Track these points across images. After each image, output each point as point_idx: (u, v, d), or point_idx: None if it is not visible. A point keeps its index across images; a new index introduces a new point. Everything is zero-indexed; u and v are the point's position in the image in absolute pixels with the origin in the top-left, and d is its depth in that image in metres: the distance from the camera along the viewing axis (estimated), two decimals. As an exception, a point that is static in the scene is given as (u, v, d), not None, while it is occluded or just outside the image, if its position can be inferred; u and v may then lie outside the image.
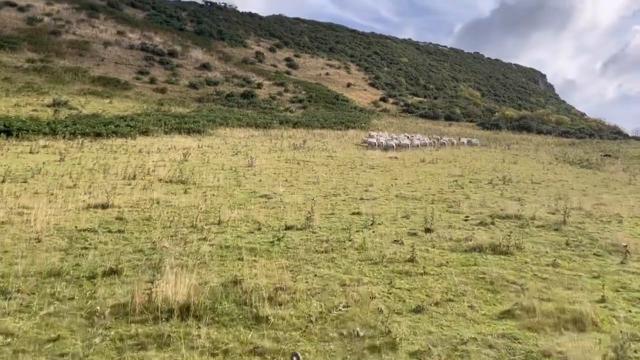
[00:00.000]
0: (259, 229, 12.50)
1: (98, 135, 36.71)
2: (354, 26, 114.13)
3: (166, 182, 20.50)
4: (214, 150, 34.07)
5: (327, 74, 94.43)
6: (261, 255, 10.20)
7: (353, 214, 15.37)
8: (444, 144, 49.77)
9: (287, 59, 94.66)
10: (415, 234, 12.48)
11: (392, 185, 22.47)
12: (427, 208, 16.63)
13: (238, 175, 23.43)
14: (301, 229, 12.65)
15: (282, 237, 11.58)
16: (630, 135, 79.82)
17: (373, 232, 12.61)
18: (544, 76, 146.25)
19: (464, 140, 53.92)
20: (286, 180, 22.51)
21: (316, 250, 10.70)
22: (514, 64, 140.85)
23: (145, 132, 40.43)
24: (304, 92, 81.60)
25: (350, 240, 11.53)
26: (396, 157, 35.24)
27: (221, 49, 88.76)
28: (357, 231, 12.46)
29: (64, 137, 34.34)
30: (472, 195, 20.36)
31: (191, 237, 11.38)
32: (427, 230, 12.73)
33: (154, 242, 10.83)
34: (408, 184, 23.30)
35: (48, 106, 47.26)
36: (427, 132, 61.96)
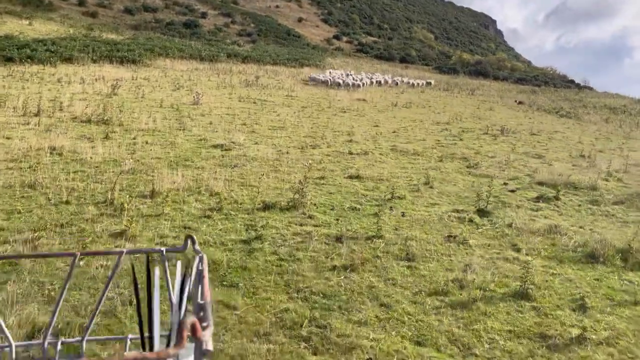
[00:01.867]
0: (219, 209, 7.53)
1: (9, 60, 29.78)
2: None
3: (82, 121, 14.86)
4: (151, 83, 28.03)
5: (277, 6, 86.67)
6: (230, 283, 5.27)
7: (350, 177, 10.63)
8: (411, 84, 45.29)
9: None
10: (470, 220, 7.86)
11: (377, 134, 17.75)
12: (442, 167, 12.14)
13: (181, 115, 17.97)
14: (288, 209, 7.79)
15: (262, 230, 6.67)
16: (581, 84, 78.10)
17: (402, 215, 7.90)
18: (494, 22, 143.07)
19: (424, 82, 49.64)
20: (244, 124, 17.32)
21: (332, 268, 5.84)
22: (467, 8, 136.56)
23: (68, 59, 33.49)
24: (252, 24, 74.23)
25: (380, 238, 6.76)
26: (364, 100, 30.38)
27: (161, -28, 78.84)
28: (376, 214, 7.68)
29: (-40, 61, 27.40)
30: (480, 150, 15.99)
31: (98, 229, 6.29)
32: (481, 213, 8.15)
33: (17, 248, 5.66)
34: (394, 132, 18.65)
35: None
36: (384, 74, 57.16)
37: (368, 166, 11.89)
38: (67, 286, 1.67)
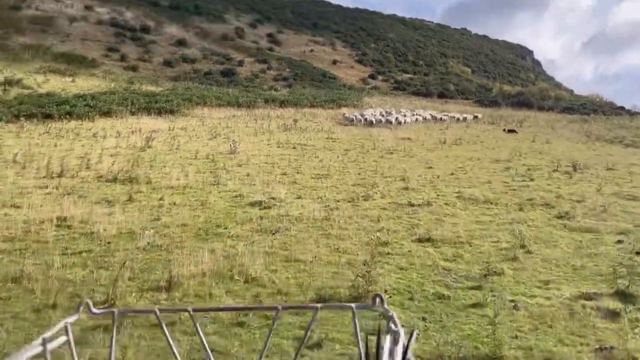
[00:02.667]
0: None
1: (48, 116, 29.23)
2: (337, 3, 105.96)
3: (108, 181, 13.22)
4: (187, 133, 26.77)
5: (311, 50, 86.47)
6: None
7: (420, 240, 8.39)
8: (456, 119, 42.97)
9: (269, 35, 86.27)
10: (614, 313, 5.45)
11: (434, 177, 15.50)
12: (527, 220, 9.77)
13: (216, 166, 16.23)
14: (350, 301, 5.57)
15: (318, 350, 4.47)
16: (632, 111, 73.68)
17: (515, 308, 5.56)
18: (531, 52, 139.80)
19: (469, 116, 47.18)
20: (284, 174, 15.39)
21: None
22: (502, 40, 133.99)
23: (107, 113, 32.87)
24: (288, 69, 73.88)
25: None
26: (409, 138, 28.26)
27: (198, 25, 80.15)
28: (475, 306, 5.39)
29: (1, 119, 26.83)
30: (560, 192, 13.49)
31: None
32: (623, 297, 5.74)
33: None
34: (452, 174, 16.36)
35: (-3, 85, 39.38)
36: (425, 110, 55.02)
37: (437, 222, 9.63)
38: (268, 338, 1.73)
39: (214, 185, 13.07)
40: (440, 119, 43.95)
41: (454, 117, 46.20)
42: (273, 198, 11.27)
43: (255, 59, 74.70)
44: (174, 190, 12.24)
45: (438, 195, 12.67)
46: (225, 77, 63.66)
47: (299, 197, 11.88)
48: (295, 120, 36.13)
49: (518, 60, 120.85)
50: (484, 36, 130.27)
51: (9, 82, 39.52)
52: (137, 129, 27.19)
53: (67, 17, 67.34)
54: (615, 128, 44.65)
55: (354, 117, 38.90)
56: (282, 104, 49.32)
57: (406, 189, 13.43)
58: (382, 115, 42.45)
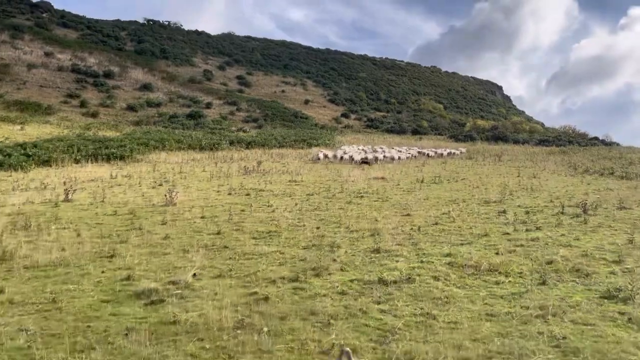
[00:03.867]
0: None
1: (-29, 167, 24.96)
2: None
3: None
4: (130, 180, 22.70)
5: (282, 91, 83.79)
6: None
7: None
8: (429, 155, 39.74)
9: (239, 77, 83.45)
10: None
11: (413, 229, 11.73)
12: (563, 308, 5.97)
13: (132, 225, 12.22)
14: None
15: None
16: (606, 141, 71.91)
17: None
18: (500, 88, 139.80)
19: (449, 151, 44.05)
20: (218, 233, 11.43)
21: None
22: (471, 77, 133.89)
23: (46, 162, 28.74)
24: (258, 110, 70.82)
25: None
26: (383, 178, 24.59)
27: (165, 69, 76.96)
28: None
29: None
30: (584, 247, 9.77)
31: None
32: None
33: None
34: (436, 224, 12.60)
35: None
36: (400, 147, 51.91)
37: (424, 322, 5.74)
38: None
39: (105, 258, 9.02)
40: (426, 154, 40.66)
41: (438, 152, 43.04)
42: (174, 283, 7.27)
43: (224, 101, 71.51)
44: (36, 270, 8.15)
45: (422, 261, 8.82)
46: (192, 120, 59.95)
47: (219, 276, 7.90)
48: (259, 162, 32.42)
49: (488, 96, 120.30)
50: (454, 73, 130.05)
51: (-58, 132, 35.31)
52: (71, 178, 23.05)
53: (25, 64, 63.39)
54: (598, 159, 41.85)
55: (326, 155, 35.41)
56: (249, 145, 45.73)
57: (377, 251, 9.56)
58: (354, 153, 39.11)
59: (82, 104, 58.25)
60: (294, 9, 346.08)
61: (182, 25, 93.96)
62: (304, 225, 12.44)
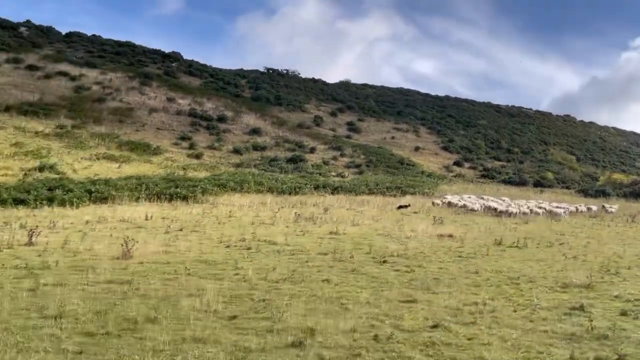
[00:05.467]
0: None
1: (21, 202, 24.39)
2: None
3: None
4: (159, 223, 20.21)
5: (392, 137, 79.74)
6: None
7: None
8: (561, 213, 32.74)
9: (349, 123, 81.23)
10: None
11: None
12: None
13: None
14: None
15: None
16: None
17: None
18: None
19: (586, 207, 35.84)
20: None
21: None
22: (612, 127, 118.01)
23: (104, 199, 27.73)
24: (363, 156, 67.48)
25: None
26: (451, 235, 19.23)
27: (276, 114, 77.46)
28: None
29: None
30: None
31: None
32: None
33: None
34: (431, 336, 7.50)
35: (29, 170, 36.66)
36: (512, 199, 44.63)
37: None
38: None
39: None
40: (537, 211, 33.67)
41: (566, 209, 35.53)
42: None
43: (329, 146, 69.36)
44: None
45: None
46: (291, 164, 58.39)
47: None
48: (327, 209, 28.59)
49: (632, 148, 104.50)
50: (591, 123, 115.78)
51: (41, 167, 36.71)
52: (103, 218, 21.15)
53: (147, 108, 67.35)
54: None
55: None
56: (335, 190, 42.12)
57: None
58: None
59: (191, 146, 59.62)
60: (420, 61, 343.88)
61: (299, 74, 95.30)
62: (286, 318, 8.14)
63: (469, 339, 7.03)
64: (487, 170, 71.98)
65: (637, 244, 19.50)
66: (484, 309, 8.33)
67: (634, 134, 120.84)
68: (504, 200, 42.31)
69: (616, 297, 9.72)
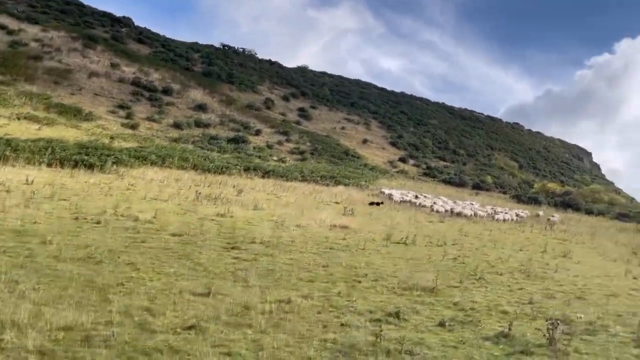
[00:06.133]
0: None
1: None
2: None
3: None
4: (42, 190, 18.27)
5: (342, 128, 78.88)
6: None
7: None
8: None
9: (301, 109, 79.76)
10: None
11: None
12: None
13: None
14: None
15: None
16: None
17: None
18: (589, 154, 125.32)
19: (505, 214, 35.69)
20: None
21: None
22: (558, 139, 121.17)
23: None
24: (309, 143, 66.24)
25: None
26: (346, 227, 18.20)
27: (226, 92, 75.06)
28: None
29: None
30: None
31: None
32: None
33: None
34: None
35: None
36: (446, 198, 44.47)
37: None
38: None
39: None
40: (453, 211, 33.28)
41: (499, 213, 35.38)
42: None
43: (276, 130, 67.70)
44: None
45: None
46: (233, 144, 56.50)
47: None
48: (241, 191, 27.19)
49: (573, 161, 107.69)
50: (538, 133, 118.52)
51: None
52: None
53: (87, 72, 63.69)
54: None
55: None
56: (267, 174, 40.72)
57: None
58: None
59: (128, 116, 56.75)
60: (385, 57, 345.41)
61: (256, 54, 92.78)
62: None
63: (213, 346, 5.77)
64: (430, 169, 72.28)
65: (532, 251, 19.05)
66: (281, 308, 7.20)
67: (577, 147, 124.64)
68: (437, 199, 42.07)
69: (454, 304, 8.86)
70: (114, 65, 68.73)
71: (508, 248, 19.01)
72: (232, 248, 11.47)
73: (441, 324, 7.30)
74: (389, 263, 12.13)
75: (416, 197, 40.30)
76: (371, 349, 5.74)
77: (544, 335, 6.84)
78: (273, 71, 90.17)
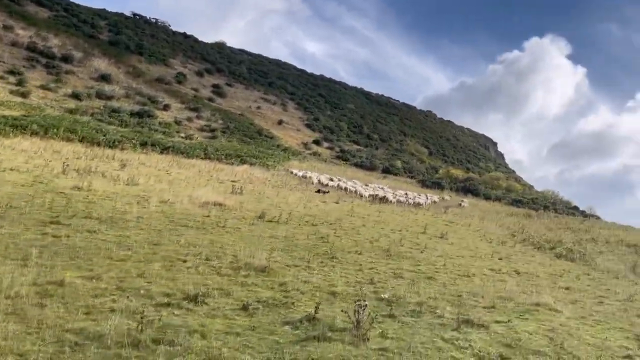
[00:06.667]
0: None
1: None
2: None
3: None
4: None
5: (258, 107, 77.08)
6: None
7: None
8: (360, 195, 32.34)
9: (216, 86, 76.85)
10: None
11: None
12: None
13: None
14: None
15: None
16: (586, 212, 63.61)
17: None
18: (495, 144, 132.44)
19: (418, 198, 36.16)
20: None
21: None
22: (467, 128, 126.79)
23: None
24: (220, 121, 63.95)
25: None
26: (221, 204, 17.07)
27: (134, 64, 70.60)
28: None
29: None
30: None
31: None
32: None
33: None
34: None
35: None
36: (352, 181, 44.46)
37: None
38: None
39: None
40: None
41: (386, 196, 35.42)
42: None
43: (186, 106, 64.65)
44: None
45: None
46: (136, 118, 53.08)
47: None
48: (124, 165, 25.17)
49: (480, 149, 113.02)
50: (449, 121, 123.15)
51: None
52: None
53: (-27, 32, 57.25)
54: (559, 228, 34.12)
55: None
56: (165, 150, 38.48)
57: None
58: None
59: (19, 82, 51.57)
60: (309, 41, 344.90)
61: (169, 25, 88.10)
62: None
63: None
64: (343, 152, 72.55)
65: (412, 232, 19.01)
66: (44, 291, 6.00)
67: (484, 136, 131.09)
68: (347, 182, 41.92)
69: (281, 284, 8.12)
70: (7, 28, 62.27)
71: (388, 229, 18.82)
72: (52, 223, 10.01)
73: (244, 308, 6.48)
74: (240, 242, 11.20)
75: (318, 178, 39.96)
76: (119, 340, 4.75)
77: (350, 318, 6.20)
78: (187, 45, 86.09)
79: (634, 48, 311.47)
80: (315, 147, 70.73)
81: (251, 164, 43.31)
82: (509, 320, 7.79)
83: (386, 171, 67.70)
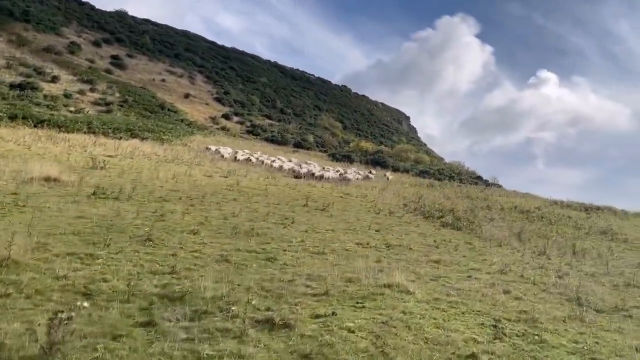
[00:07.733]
0: None
1: None
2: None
3: None
4: None
5: (163, 80, 71.87)
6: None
7: None
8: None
9: (115, 57, 70.46)
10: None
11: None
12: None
13: None
14: None
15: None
16: (489, 181, 65.58)
17: None
18: (408, 118, 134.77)
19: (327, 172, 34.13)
20: None
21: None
22: (381, 103, 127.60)
23: None
24: (118, 94, 58.54)
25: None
26: (56, 180, 14.04)
27: (19, 32, 62.90)
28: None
29: None
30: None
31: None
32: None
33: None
34: None
35: None
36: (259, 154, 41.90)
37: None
38: None
39: None
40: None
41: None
42: None
43: (79, 78, 58.50)
44: None
45: None
46: (17, 90, 46.98)
47: None
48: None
49: (393, 123, 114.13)
50: (364, 96, 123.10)
51: None
52: None
53: None
54: (458, 197, 33.84)
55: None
56: (40, 123, 33.84)
57: None
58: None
59: None
60: (225, 15, 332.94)
61: (61, -9, 79.28)
62: None
63: None
64: (254, 127, 69.66)
65: (292, 205, 17.01)
66: None
67: (398, 111, 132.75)
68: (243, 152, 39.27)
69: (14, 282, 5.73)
70: None
71: (264, 202, 16.71)
72: None
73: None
74: (14, 225, 8.54)
75: (217, 150, 37.14)
76: None
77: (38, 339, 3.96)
78: (83, 13, 78.28)
79: (535, 27, 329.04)
80: (224, 122, 67.22)
81: (143, 139, 39.44)
82: (333, 313, 5.98)
83: (298, 145, 65.75)
